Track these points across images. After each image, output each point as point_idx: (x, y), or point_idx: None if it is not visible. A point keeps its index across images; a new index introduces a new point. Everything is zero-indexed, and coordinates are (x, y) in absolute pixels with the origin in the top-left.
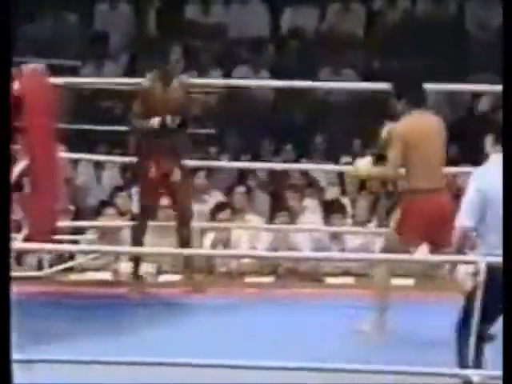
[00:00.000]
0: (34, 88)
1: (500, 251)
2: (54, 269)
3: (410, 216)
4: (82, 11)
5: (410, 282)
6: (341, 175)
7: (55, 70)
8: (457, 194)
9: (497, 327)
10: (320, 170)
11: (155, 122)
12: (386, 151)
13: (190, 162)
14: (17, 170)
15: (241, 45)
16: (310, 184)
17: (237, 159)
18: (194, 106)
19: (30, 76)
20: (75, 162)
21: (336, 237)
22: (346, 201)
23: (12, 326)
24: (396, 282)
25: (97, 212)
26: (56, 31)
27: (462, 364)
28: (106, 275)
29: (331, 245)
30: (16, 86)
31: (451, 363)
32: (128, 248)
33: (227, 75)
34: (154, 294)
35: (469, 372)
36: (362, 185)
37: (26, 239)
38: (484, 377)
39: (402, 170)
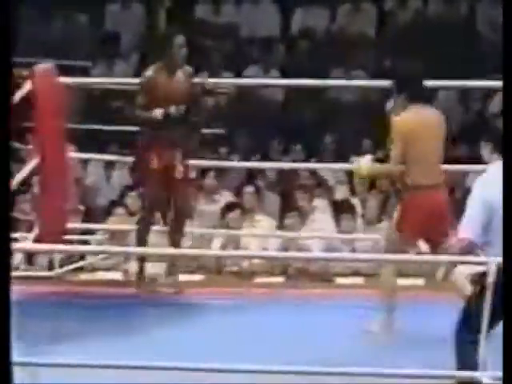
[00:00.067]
0: (45, 88)
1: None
2: (65, 269)
3: (410, 212)
4: (92, 11)
5: (419, 281)
6: (350, 175)
7: (66, 71)
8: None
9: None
10: (329, 169)
11: (158, 112)
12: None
13: (200, 162)
14: (27, 169)
15: (251, 45)
16: (320, 184)
17: (246, 159)
18: (200, 97)
19: (42, 76)
20: (85, 161)
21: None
22: (355, 201)
23: (23, 326)
24: (406, 282)
25: (107, 212)
26: (67, 32)
27: (463, 366)
28: (116, 275)
29: (341, 245)
30: (27, 86)
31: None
32: (138, 248)
33: (238, 75)
34: (164, 293)
35: (468, 374)
36: (372, 184)
37: (37, 239)
38: (494, 378)
39: (403, 166)
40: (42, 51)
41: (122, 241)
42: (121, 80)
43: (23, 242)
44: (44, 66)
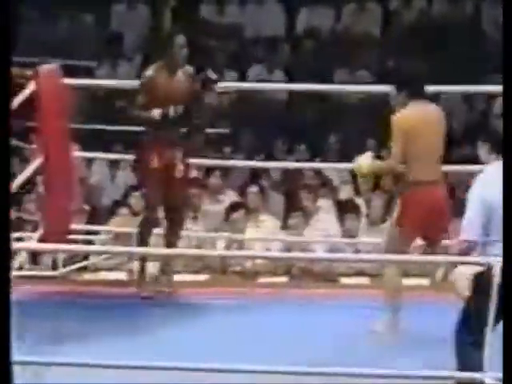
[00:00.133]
0: (49, 88)
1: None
2: (68, 268)
3: (410, 208)
4: (98, 12)
5: (424, 282)
6: (354, 175)
7: (71, 71)
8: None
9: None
10: (334, 169)
11: (156, 113)
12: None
13: (204, 162)
14: (31, 169)
15: (256, 44)
16: (324, 184)
17: (250, 159)
18: (201, 96)
19: (46, 77)
20: (90, 161)
21: (350, 237)
22: (360, 201)
23: (26, 326)
24: (410, 282)
25: (111, 212)
26: (72, 32)
27: (463, 368)
28: (119, 275)
29: (345, 245)
30: (32, 86)
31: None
32: (142, 248)
33: (242, 75)
34: (168, 293)
35: (471, 375)
36: (376, 184)
37: (41, 239)
38: (497, 379)
39: (403, 162)
40: (47, 51)
41: (126, 241)
42: (124, 82)
43: (28, 241)
44: (48, 67)
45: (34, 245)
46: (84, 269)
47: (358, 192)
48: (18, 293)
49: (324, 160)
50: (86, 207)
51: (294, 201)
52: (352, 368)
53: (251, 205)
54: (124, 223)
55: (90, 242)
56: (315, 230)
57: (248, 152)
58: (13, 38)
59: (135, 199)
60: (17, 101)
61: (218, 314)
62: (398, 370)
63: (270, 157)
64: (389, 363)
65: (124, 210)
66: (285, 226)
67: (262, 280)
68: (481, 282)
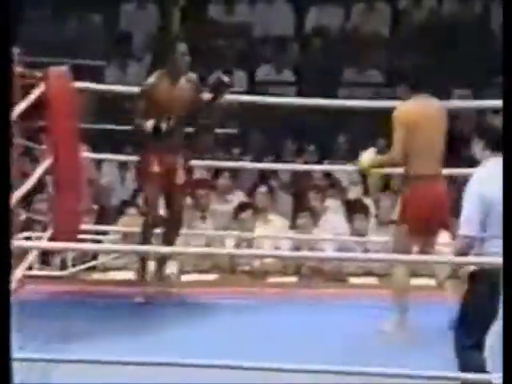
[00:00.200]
0: (59, 89)
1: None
2: (77, 268)
3: (411, 204)
4: (106, 11)
5: (432, 282)
6: (364, 175)
7: (80, 71)
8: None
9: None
10: (342, 170)
11: (149, 124)
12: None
13: (212, 163)
14: (41, 169)
15: (265, 44)
16: (333, 184)
17: (259, 160)
18: (203, 104)
19: (56, 78)
20: (100, 162)
21: (359, 237)
22: (369, 201)
23: (35, 325)
24: (419, 282)
25: (119, 211)
26: (81, 32)
27: (465, 370)
28: (128, 274)
29: (354, 245)
30: (42, 87)
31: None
32: (151, 247)
33: (251, 74)
34: (177, 293)
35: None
36: (386, 185)
37: (51, 239)
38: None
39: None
40: (57, 51)
41: (134, 240)
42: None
43: (37, 241)
44: (58, 68)
45: (43, 244)
46: (93, 268)
47: (366, 192)
48: (27, 292)
49: (333, 160)
50: (95, 207)
51: (302, 201)
52: (361, 367)
53: (260, 205)
54: (132, 223)
55: (98, 242)
56: (324, 230)
57: (257, 153)
58: (22, 38)
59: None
60: (27, 102)
61: (226, 313)
62: (406, 369)
63: (279, 157)
64: (397, 363)
65: (132, 210)
66: (293, 226)
67: (271, 280)
68: (478, 281)
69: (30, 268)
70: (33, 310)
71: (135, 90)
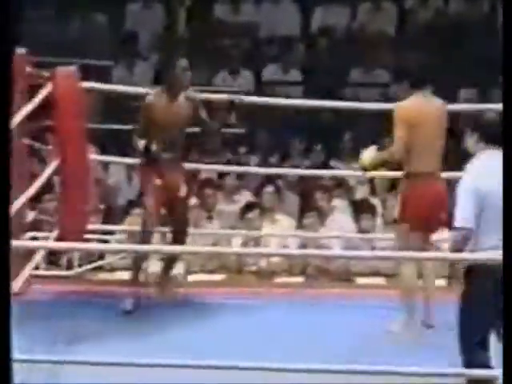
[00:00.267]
0: (66, 89)
1: (497, 251)
2: (84, 268)
3: (411, 202)
4: (112, 11)
5: (441, 282)
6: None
7: (87, 71)
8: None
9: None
10: (349, 169)
11: (141, 144)
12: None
13: (219, 166)
14: (49, 170)
15: (271, 43)
16: (339, 184)
17: (266, 159)
18: (202, 120)
19: (63, 78)
20: (107, 163)
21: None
22: (376, 201)
23: (41, 325)
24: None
25: (126, 211)
26: (87, 32)
27: (470, 366)
28: None
29: (361, 244)
30: (49, 87)
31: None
32: (157, 247)
33: (257, 74)
34: (183, 293)
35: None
36: (393, 184)
37: (58, 239)
38: None
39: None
40: (63, 51)
41: None
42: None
43: (44, 241)
44: (66, 68)
45: (50, 243)
46: (99, 268)
47: (373, 192)
48: (33, 292)
49: (340, 160)
50: (102, 207)
51: (309, 201)
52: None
53: (267, 205)
54: (138, 222)
55: (105, 242)
56: (331, 229)
57: (264, 152)
58: (28, 38)
59: None
60: (34, 102)
61: (233, 314)
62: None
63: (285, 157)
64: (404, 363)
65: (138, 210)
66: (300, 226)
67: (278, 280)
68: (475, 277)
69: (36, 268)
70: (39, 310)
71: (142, 89)
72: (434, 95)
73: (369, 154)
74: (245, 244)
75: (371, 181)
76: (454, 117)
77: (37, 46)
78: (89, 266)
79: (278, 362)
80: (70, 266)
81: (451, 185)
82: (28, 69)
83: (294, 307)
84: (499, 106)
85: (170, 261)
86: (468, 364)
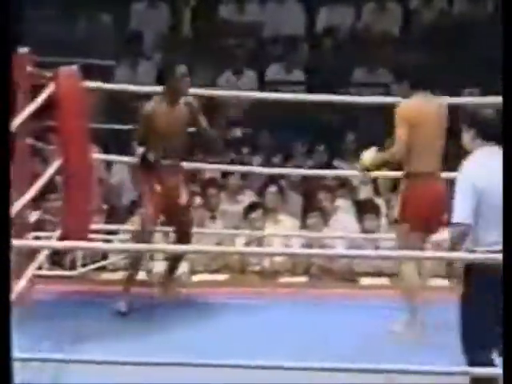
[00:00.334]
0: (69, 89)
1: (497, 248)
2: (87, 268)
3: (411, 202)
4: (117, 11)
5: (445, 282)
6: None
7: (91, 70)
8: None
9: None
10: (353, 169)
11: (138, 152)
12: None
13: (222, 166)
14: (52, 170)
15: (275, 43)
16: (343, 184)
17: (269, 159)
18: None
19: (66, 78)
20: (110, 162)
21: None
22: (380, 201)
23: (45, 325)
24: (431, 282)
25: (129, 211)
26: (91, 31)
27: (473, 364)
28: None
29: (365, 244)
30: (52, 87)
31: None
32: (160, 246)
33: (261, 74)
34: (187, 293)
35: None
36: (395, 185)
37: (61, 239)
38: None
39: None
40: (67, 51)
41: None
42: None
43: (47, 240)
44: (68, 68)
45: (53, 243)
46: (103, 268)
47: (377, 192)
48: (37, 292)
49: (343, 160)
50: (105, 207)
51: (312, 201)
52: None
53: (270, 205)
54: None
55: (108, 242)
56: (334, 229)
57: (267, 152)
58: (31, 37)
59: None
60: (37, 102)
61: (237, 313)
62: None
63: (288, 157)
64: (407, 363)
65: (142, 210)
66: (303, 226)
67: (281, 280)
68: (474, 275)
69: (40, 268)
70: (42, 310)
71: (146, 89)
72: (439, 95)
73: (369, 155)
74: (248, 244)
75: (374, 181)
76: (454, 117)
77: (42, 45)
78: (92, 266)
79: (281, 361)
80: (73, 266)
81: (451, 185)
82: (31, 69)
83: (297, 307)
84: (499, 100)
85: (174, 261)
86: (471, 364)
